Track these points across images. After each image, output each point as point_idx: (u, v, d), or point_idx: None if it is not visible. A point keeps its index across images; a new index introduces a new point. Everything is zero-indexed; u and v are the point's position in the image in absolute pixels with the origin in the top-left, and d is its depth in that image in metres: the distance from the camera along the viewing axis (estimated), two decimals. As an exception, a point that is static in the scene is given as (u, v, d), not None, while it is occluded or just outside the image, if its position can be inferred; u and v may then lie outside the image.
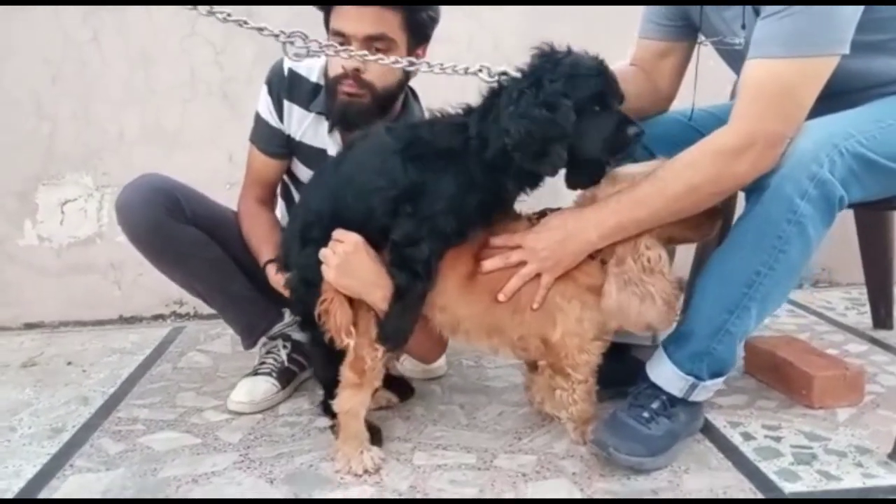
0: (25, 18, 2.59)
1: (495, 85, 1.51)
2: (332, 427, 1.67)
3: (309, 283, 1.57)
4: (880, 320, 2.36)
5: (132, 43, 2.63)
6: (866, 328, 2.38)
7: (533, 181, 1.52)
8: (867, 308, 2.43)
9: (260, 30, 1.48)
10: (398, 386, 1.90)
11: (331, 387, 1.63)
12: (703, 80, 1.77)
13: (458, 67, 1.55)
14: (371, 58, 1.58)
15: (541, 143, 1.40)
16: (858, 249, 2.35)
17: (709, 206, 1.50)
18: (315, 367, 1.91)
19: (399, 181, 1.48)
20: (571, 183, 1.57)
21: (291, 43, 1.53)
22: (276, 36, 1.51)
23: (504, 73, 1.50)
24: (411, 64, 1.61)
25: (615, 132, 1.45)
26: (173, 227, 1.86)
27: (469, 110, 1.53)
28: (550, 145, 1.41)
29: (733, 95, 2.09)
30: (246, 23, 1.46)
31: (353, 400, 1.57)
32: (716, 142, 1.44)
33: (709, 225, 1.55)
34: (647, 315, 1.48)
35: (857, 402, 1.80)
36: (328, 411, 1.70)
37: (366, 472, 1.54)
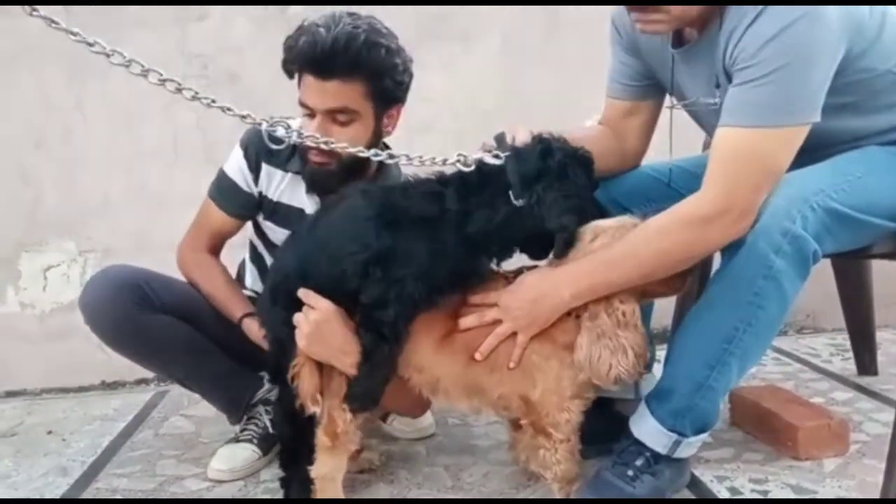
0: (8, 84, 2.63)
1: (475, 168, 1.53)
2: (282, 480, 1.67)
3: (280, 342, 1.58)
4: (864, 366, 2.36)
5: (115, 108, 2.66)
6: (851, 374, 2.38)
7: (506, 255, 1.56)
8: (852, 354, 2.43)
9: (243, 117, 1.51)
10: None
11: (288, 443, 1.64)
12: (676, 132, 1.80)
13: (437, 160, 1.58)
14: (340, 145, 1.59)
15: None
16: (839, 296, 2.36)
17: (681, 270, 1.50)
18: (275, 422, 1.87)
19: (371, 246, 1.49)
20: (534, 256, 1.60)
21: (274, 131, 1.58)
22: (260, 123, 1.56)
23: (480, 161, 1.52)
24: (376, 155, 1.60)
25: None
26: (143, 320, 1.81)
27: (444, 180, 1.55)
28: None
29: (705, 148, 2.13)
30: (230, 109, 1.49)
31: (328, 465, 1.56)
32: (688, 209, 1.45)
33: (679, 280, 1.56)
34: (619, 368, 1.47)
35: (842, 452, 1.78)
36: (283, 466, 1.68)
37: None
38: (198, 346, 1.91)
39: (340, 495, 1.58)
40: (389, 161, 1.66)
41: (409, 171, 1.73)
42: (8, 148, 2.65)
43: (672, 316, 2.28)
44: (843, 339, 2.60)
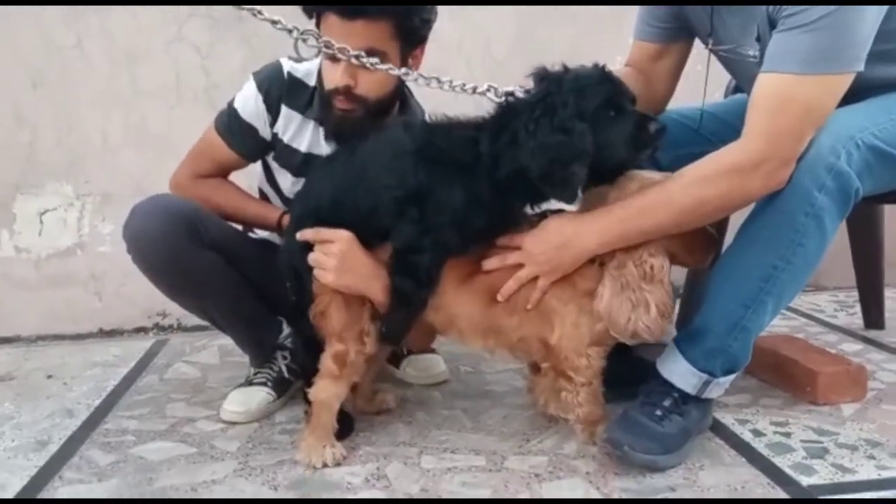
0: (5, 23, 2.51)
1: (503, 103, 1.51)
2: (306, 413, 1.64)
3: (299, 274, 1.56)
4: (872, 321, 2.39)
5: (116, 47, 2.56)
6: (858, 328, 2.40)
7: (542, 198, 1.52)
8: (856, 310, 2.46)
9: (274, 22, 1.48)
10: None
11: (310, 375, 1.61)
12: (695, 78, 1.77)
13: (468, 87, 1.60)
14: (383, 66, 1.60)
15: (564, 169, 1.40)
16: (844, 253, 2.35)
17: (715, 220, 1.49)
18: (296, 353, 1.87)
19: (407, 182, 1.47)
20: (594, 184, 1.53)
21: (304, 41, 1.56)
22: (290, 31, 1.55)
23: (511, 94, 1.51)
24: (421, 77, 1.60)
25: (636, 132, 1.43)
26: (195, 256, 1.73)
27: (480, 125, 1.51)
28: (572, 168, 1.40)
29: (727, 94, 2.11)
30: (260, 13, 1.45)
31: (328, 391, 1.56)
32: (728, 158, 1.41)
33: (703, 253, 1.55)
34: (638, 323, 1.44)
35: (860, 398, 1.80)
36: (306, 399, 1.64)
37: (324, 465, 1.54)
38: (239, 287, 1.85)
39: (332, 423, 1.58)
40: (422, 83, 1.62)
41: (431, 105, 1.72)
42: (3, 87, 2.54)
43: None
44: (846, 297, 2.64)
